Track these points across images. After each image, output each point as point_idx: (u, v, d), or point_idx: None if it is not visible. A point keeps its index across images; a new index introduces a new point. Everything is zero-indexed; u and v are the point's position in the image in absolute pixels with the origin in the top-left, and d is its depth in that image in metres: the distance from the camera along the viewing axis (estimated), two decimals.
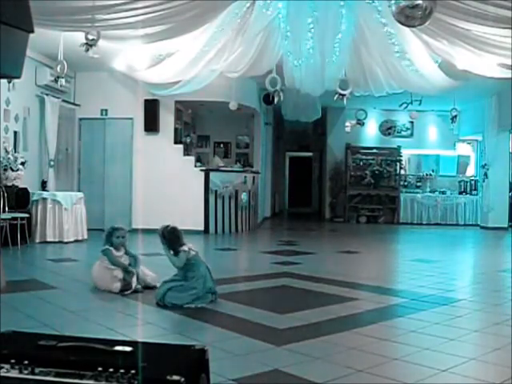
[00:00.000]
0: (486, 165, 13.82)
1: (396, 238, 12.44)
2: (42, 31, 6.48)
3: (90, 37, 6.49)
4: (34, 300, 4.72)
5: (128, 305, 4.70)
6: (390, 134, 15.86)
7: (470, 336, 3.82)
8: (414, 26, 5.33)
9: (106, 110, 11.08)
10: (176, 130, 11.40)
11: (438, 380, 2.89)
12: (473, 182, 15.27)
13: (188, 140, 12.70)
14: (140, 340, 1.75)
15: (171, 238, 4.71)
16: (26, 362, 1.43)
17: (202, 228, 10.69)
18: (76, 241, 8.98)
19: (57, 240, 8.77)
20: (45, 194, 8.97)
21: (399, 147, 15.30)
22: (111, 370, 1.39)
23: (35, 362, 1.43)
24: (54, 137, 9.94)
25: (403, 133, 15.87)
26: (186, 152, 11.63)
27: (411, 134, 15.85)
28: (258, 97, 12.39)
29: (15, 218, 7.92)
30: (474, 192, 15.11)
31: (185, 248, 4.66)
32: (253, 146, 13.88)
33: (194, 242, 4.63)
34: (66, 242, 8.75)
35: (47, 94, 9.77)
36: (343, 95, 8.59)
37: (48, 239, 8.72)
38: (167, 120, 11.08)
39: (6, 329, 1.74)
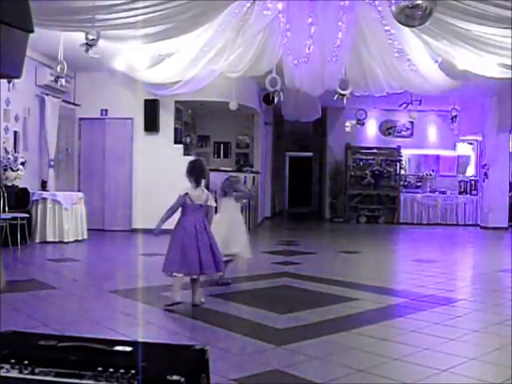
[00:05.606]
0: (486, 165, 13.82)
1: (396, 238, 12.44)
2: (41, 31, 6.47)
3: (90, 37, 6.49)
4: (34, 300, 4.72)
5: (128, 305, 4.70)
6: (390, 133, 15.85)
7: (470, 336, 3.82)
8: (413, 26, 5.34)
9: (106, 110, 11.07)
10: (176, 130, 11.38)
11: (438, 380, 2.89)
12: (473, 182, 15.25)
13: (188, 140, 12.69)
14: (140, 340, 1.75)
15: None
16: (26, 361, 1.42)
17: None
18: (76, 241, 8.96)
19: (57, 240, 8.76)
20: (45, 194, 8.96)
21: (399, 147, 15.30)
22: (111, 369, 1.39)
23: (35, 362, 1.42)
24: (53, 137, 9.93)
25: (403, 133, 15.85)
26: (186, 152, 11.61)
27: (411, 134, 15.83)
28: (258, 97, 12.38)
29: (15, 218, 7.91)
30: (473, 192, 15.10)
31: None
32: (253, 146, 13.87)
33: None
34: (66, 242, 8.74)
35: (47, 94, 9.76)
36: (343, 95, 8.58)
37: (48, 239, 8.72)
38: (167, 120, 11.06)
39: (5, 329, 1.74)
